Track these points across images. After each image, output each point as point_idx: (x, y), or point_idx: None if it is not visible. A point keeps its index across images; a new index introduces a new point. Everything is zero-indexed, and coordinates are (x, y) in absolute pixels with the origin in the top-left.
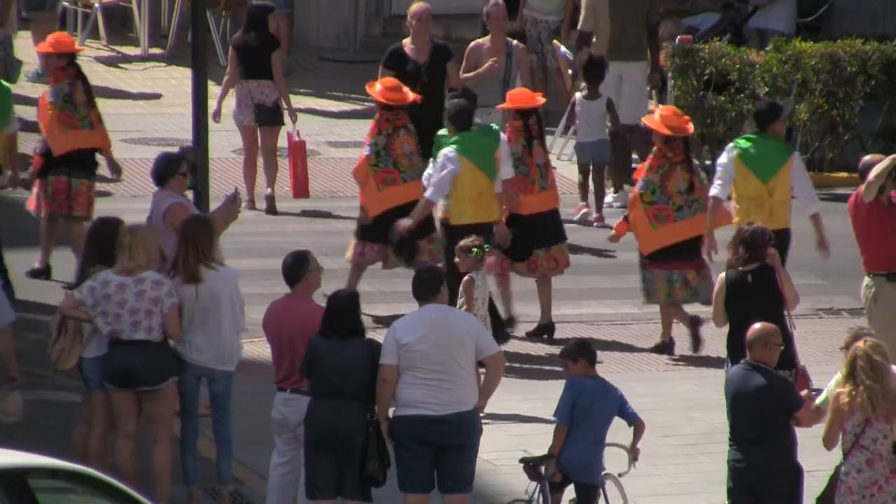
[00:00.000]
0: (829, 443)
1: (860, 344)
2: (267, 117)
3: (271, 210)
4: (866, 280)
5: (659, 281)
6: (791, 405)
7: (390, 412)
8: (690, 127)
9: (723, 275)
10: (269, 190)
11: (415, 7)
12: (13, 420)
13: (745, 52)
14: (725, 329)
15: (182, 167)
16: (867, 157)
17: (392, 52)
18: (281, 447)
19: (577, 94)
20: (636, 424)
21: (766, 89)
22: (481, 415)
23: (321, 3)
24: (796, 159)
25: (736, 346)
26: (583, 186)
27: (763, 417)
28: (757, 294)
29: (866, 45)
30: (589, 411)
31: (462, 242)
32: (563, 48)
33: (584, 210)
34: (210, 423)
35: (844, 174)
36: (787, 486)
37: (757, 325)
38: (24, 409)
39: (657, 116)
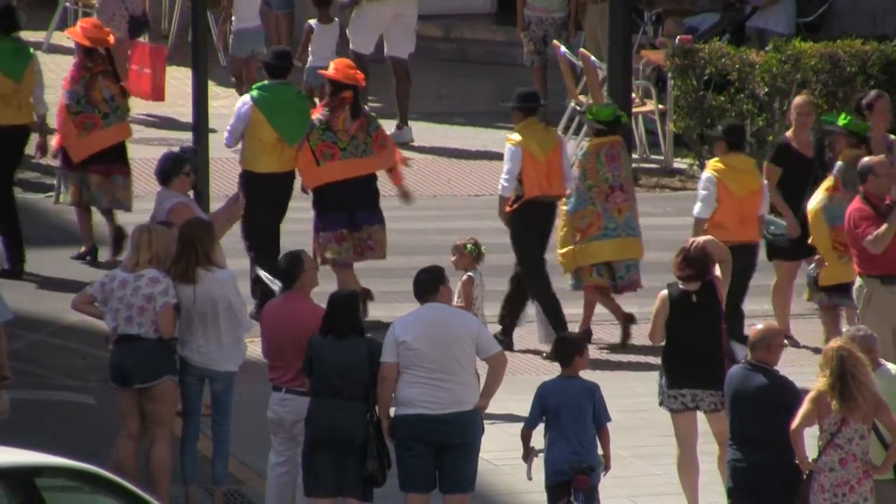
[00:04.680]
0: (797, 434)
1: (842, 344)
2: (134, 29)
3: None
4: (858, 281)
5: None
6: (791, 404)
7: (391, 411)
8: (111, 39)
9: (665, 291)
10: None
11: (798, 100)
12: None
13: (744, 52)
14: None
15: (186, 167)
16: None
17: (780, 149)
18: (277, 447)
19: (311, 21)
20: (601, 431)
21: (766, 89)
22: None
23: None
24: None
25: (672, 362)
26: None
27: (763, 417)
28: (700, 314)
29: (866, 46)
30: (558, 412)
31: (457, 241)
32: (563, 48)
33: None
34: (210, 423)
35: None
36: (787, 485)
37: (760, 326)
38: (27, 410)
39: (78, 28)
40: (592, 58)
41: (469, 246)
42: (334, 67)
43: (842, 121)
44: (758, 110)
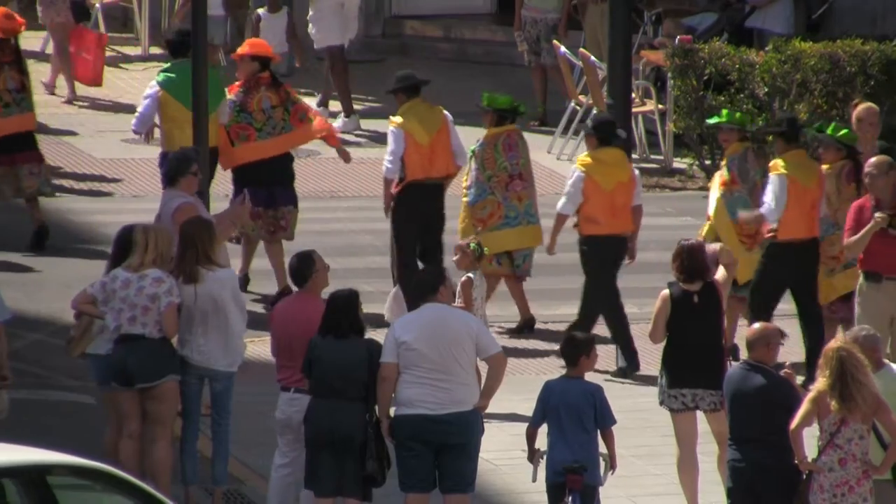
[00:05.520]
0: (796, 434)
1: (841, 344)
2: (77, 13)
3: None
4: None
5: None
6: (790, 404)
7: (391, 411)
8: (23, 28)
9: (666, 291)
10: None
11: (860, 109)
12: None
13: (744, 52)
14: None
15: (192, 167)
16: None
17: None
18: (283, 448)
19: (260, 10)
20: (605, 433)
21: (766, 89)
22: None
23: None
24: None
25: (672, 362)
26: None
27: (763, 417)
28: (701, 313)
29: (866, 46)
30: (558, 413)
31: (460, 241)
32: (562, 48)
33: None
34: (210, 422)
35: None
36: (787, 485)
37: (757, 325)
38: (27, 410)
39: None
40: (592, 58)
41: (472, 245)
42: (247, 44)
43: (724, 118)
44: (758, 110)
